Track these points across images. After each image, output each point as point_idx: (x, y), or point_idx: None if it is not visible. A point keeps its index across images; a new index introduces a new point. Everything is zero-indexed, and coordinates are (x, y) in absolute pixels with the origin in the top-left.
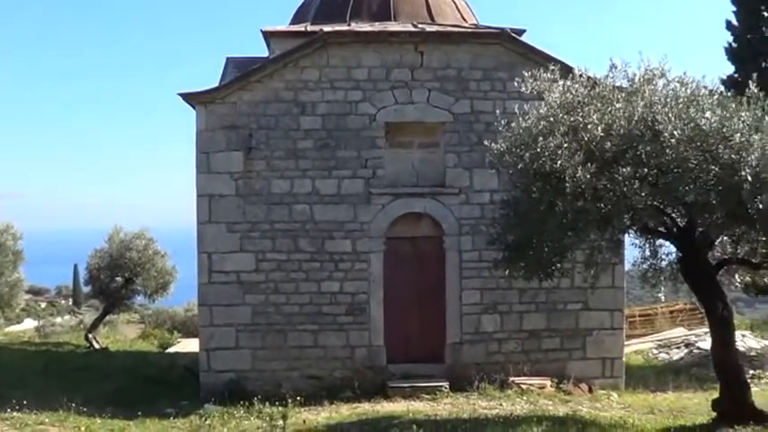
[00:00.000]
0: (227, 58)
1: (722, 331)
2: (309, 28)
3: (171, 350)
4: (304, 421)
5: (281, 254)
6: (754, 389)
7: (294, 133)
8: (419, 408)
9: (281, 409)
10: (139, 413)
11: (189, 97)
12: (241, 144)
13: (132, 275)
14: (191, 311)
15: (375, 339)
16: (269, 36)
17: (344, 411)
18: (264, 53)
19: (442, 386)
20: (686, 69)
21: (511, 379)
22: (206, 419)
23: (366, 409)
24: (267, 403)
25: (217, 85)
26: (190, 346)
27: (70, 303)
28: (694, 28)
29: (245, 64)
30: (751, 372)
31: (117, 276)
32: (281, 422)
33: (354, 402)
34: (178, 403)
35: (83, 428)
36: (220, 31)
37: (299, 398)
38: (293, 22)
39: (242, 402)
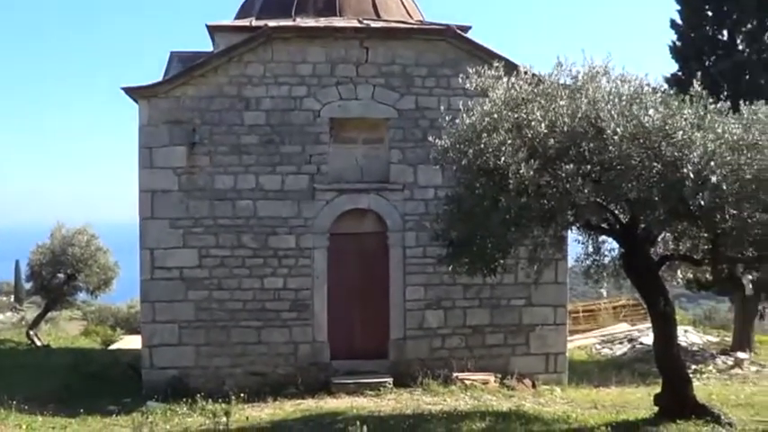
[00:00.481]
0: (171, 53)
1: (664, 327)
2: (254, 23)
3: (113, 347)
4: (247, 418)
5: (225, 250)
6: (695, 383)
7: (238, 128)
8: (363, 404)
9: (224, 405)
10: (82, 411)
11: (132, 91)
12: (184, 139)
13: (74, 272)
14: (133, 308)
15: (318, 336)
16: (213, 31)
17: (288, 408)
18: (209, 48)
19: (385, 382)
20: (631, 67)
21: (455, 374)
22: (148, 417)
23: (310, 405)
24: (210, 400)
25: (160, 79)
26: (133, 342)
27: (11, 300)
28: (640, 26)
29: (189, 58)
30: (693, 367)
31: (59, 273)
32: (224, 419)
33: (298, 399)
34: (121, 401)
35: (24, 427)
36: (165, 25)
37: (242, 394)
38: (238, 16)
39: (185, 399)
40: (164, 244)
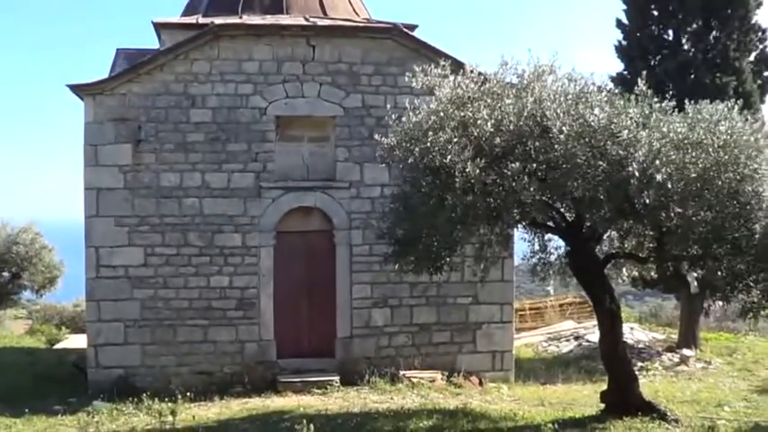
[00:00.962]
0: (118, 50)
1: (610, 324)
2: (201, 20)
3: (59, 346)
4: (194, 417)
5: (171, 248)
6: (641, 380)
7: (184, 126)
8: (310, 402)
9: (170, 405)
10: (27, 411)
11: (77, 89)
12: (130, 137)
13: (19, 270)
14: (79, 307)
15: (265, 334)
16: (160, 28)
17: (235, 407)
18: (156, 45)
19: (332, 380)
20: (577, 67)
21: (402, 373)
22: (94, 416)
23: (257, 404)
24: (156, 399)
25: (106, 76)
26: (78, 341)
27: None
28: (586, 26)
29: (135, 56)
30: (639, 364)
31: (3, 271)
32: (170, 418)
33: (245, 398)
34: (66, 400)
35: None
36: (112, 22)
37: (188, 393)
38: (185, 13)
39: (131, 399)
40: (109, 242)
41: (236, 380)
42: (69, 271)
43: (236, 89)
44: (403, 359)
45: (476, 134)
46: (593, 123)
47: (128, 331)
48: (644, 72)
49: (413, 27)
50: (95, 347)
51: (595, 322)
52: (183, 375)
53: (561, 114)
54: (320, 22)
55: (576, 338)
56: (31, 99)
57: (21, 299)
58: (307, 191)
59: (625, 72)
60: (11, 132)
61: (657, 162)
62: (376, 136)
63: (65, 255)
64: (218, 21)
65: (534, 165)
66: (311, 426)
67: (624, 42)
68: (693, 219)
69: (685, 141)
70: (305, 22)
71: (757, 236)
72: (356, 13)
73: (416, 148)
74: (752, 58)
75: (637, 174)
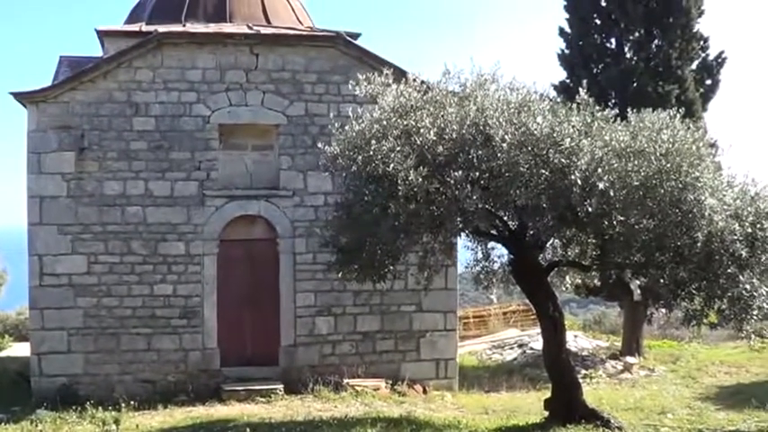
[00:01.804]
0: (61, 57)
1: (553, 332)
2: (144, 28)
3: (2, 355)
4: (137, 426)
5: (114, 256)
6: (585, 388)
7: (127, 134)
8: (254, 411)
9: (114, 413)
10: None
11: (20, 96)
12: (73, 145)
13: None
14: (22, 315)
15: (209, 342)
16: (103, 35)
17: (178, 415)
18: (99, 53)
19: (276, 389)
20: (520, 75)
21: (345, 381)
22: (38, 425)
23: (200, 412)
24: (100, 408)
25: (49, 84)
26: (22, 350)
27: None
28: (529, 34)
29: (78, 63)
30: (583, 371)
31: None
32: (113, 427)
33: (189, 406)
34: (9, 409)
35: None
36: (55, 29)
37: (132, 402)
38: (128, 21)
39: (75, 407)
40: (52, 250)
41: (180, 388)
42: (12, 279)
43: (180, 97)
44: (347, 367)
45: (419, 143)
46: (535, 132)
47: (71, 339)
48: (586, 80)
49: (356, 35)
50: (38, 356)
51: (539, 330)
52: (127, 384)
53: (504, 123)
54: (263, 31)
55: (520, 346)
56: None
57: None
58: (250, 199)
59: (568, 80)
60: None
61: (600, 170)
62: (319, 144)
63: (7, 262)
64: (162, 29)
65: (477, 173)
66: None
67: (567, 51)
68: (636, 227)
69: (628, 150)
70: (248, 31)
71: (699, 244)
72: (299, 22)
73: (359, 157)
74: (694, 66)
75: (579, 182)
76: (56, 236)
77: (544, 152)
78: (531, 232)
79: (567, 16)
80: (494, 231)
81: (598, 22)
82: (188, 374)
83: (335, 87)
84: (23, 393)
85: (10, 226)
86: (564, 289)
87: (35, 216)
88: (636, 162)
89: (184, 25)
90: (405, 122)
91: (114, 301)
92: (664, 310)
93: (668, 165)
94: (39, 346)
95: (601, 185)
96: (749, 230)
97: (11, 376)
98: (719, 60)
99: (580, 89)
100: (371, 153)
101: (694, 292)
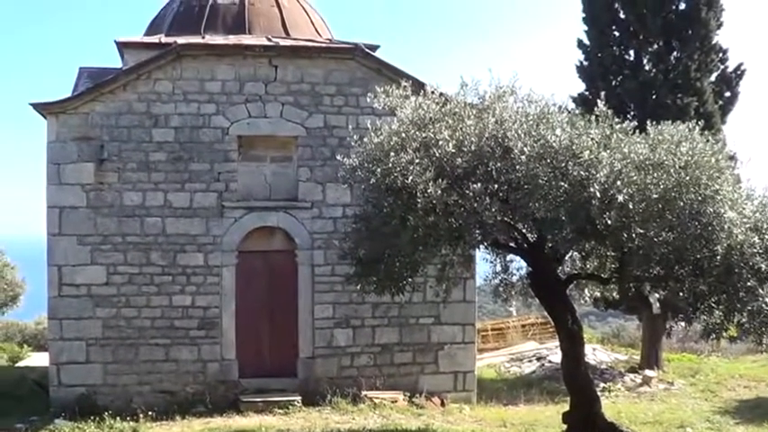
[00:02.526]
0: (81, 68)
1: (572, 345)
2: (164, 40)
3: (21, 364)
4: None
5: (133, 267)
6: (604, 401)
7: (147, 145)
8: (272, 422)
9: (132, 424)
10: None
11: (40, 107)
12: (93, 155)
13: None
14: (41, 324)
15: (227, 353)
16: (123, 47)
17: (196, 426)
18: (119, 64)
19: (294, 400)
20: (539, 87)
21: (364, 393)
22: None
23: (218, 423)
24: (118, 418)
25: (69, 95)
26: (40, 360)
27: None
28: (548, 46)
29: (98, 74)
30: (601, 384)
31: None
32: None
33: (207, 417)
34: (28, 418)
35: None
36: (75, 40)
37: (150, 413)
38: (148, 33)
39: (93, 417)
40: (72, 261)
41: (198, 399)
42: (32, 287)
43: (199, 109)
44: (365, 379)
45: (437, 155)
46: (554, 144)
47: (90, 350)
48: (605, 92)
49: (375, 47)
50: (57, 366)
51: (558, 343)
52: (145, 394)
53: (522, 135)
54: (282, 43)
55: (539, 359)
56: None
57: None
58: (269, 211)
59: (586, 92)
60: None
61: (619, 183)
62: (338, 156)
63: (26, 271)
64: (181, 40)
65: (496, 185)
66: None
67: (585, 63)
68: (655, 240)
69: (647, 162)
70: (267, 43)
71: (719, 257)
72: (318, 34)
73: (378, 169)
74: (713, 78)
75: (598, 195)
76: (75, 246)
77: (563, 164)
78: (550, 245)
79: (586, 28)
80: (512, 244)
81: (617, 34)
82: (206, 385)
83: (354, 99)
84: (42, 403)
85: (29, 236)
86: (583, 302)
87: (55, 226)
88: (655, 175)
89: (204, 37)
90: (423, 135)
91: (133, 312)
92: (683, 324)
93: (687, 177)
94: (58, 356)
95: (620, 198)
96: None
97: (30, 386)
98: (738, 72)
99: (599, 101)
100: (390, 165)
101: (714, 305)
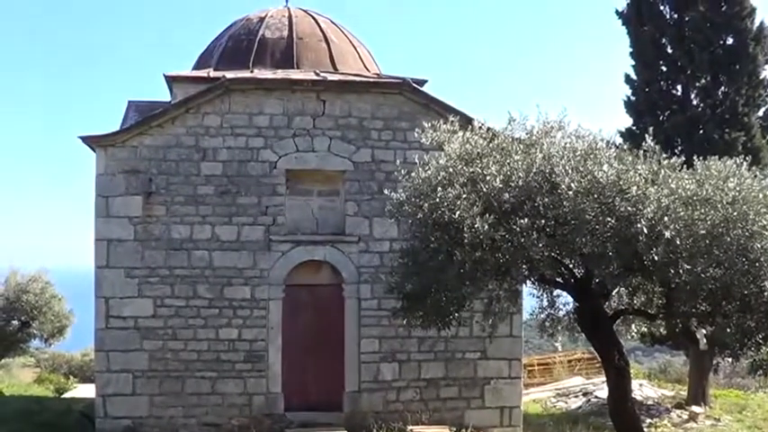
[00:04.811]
0: (129, 102)
1: (618, 380)
2: (212, 74)
3: (67, 395)
4: None
5: (180, 300)
6: None
7: (195, 179)
8: None
9: None
10: None
11: (89, 140)
12: (141, 188)
13: (29, 319)
14: (87, 356)
15: (273, 387)
16: (171, 81)
17: None
18: (167, 98)
19: None
20: (587, 122)
21: (409, 428)
22: None
23: None
24: None
25: (118, 128)
26: (86, 391)
27: None
28: (595, 81)
29: (146, 108)
30: (648, 420)
31: (13, 319)
32: None
33: None
34: None
35: None
36: (123, 74)
37: None
38: (196, 67)
39: None
40: (119, 293)
41: None
42: (78, 320)
43: (247, 143)
44: (411, 414)
45: (485, 190)
46: (601, 180)
47: (136, 382)
48: (652, 128)
49: (422, 82)
50: (104, 397)
51: (604, 378)
52: (191, 427)
53: (570, 170)
54: (330, 77)
55: (585, 394)
56: (41, 150)
57: (29, 347)
58: (316, 244)
59: (634, 127)
60: (21, 182)
61: (666, 219)
62: (385, 191)
63: (73, 303)
64: (230, 75)
65: (543, 221)
66: None
67: (633, 98)
68: (702, 275)
69: (694, 198)
70: (315, 77)
71: (766, 293)
72: (366, 68)
73: (425, 204)
74: (761, 113)
75: (645, 230)
76: (122, 279)
77: (610, 200)
78: (597, 280)
79: (633, 63)
80: (559, 279)
81: (664, 68)
82: (252, 418)
83: (402, 134)
84: None
85: (77, 268)
86: (629, 337)
87: (102, 259)
88: (702, 210)
89: (252, 71)
90: (471, 169)
91: (180, 345)
92: (730, 360)
93: (735, 213)
94: (104, 388)
95: (667, 234)
96: None
97: (76, 417)
98: None
99: (646, 136)
100: (437, 200)
101: (761, 341)
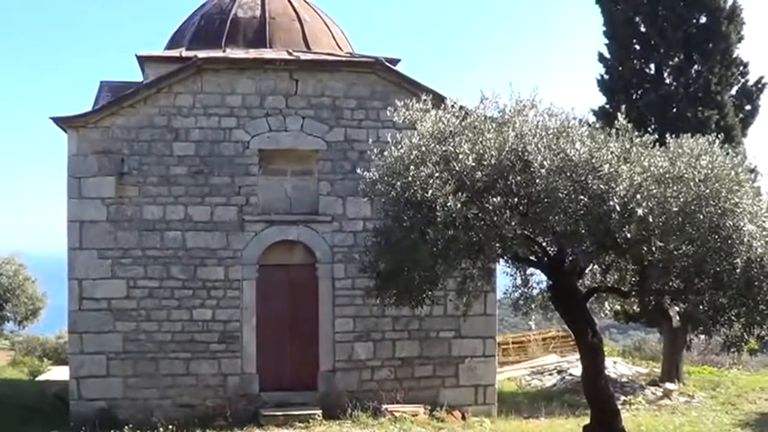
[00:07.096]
0: (101, 82)
1: (592, 358)
2: (184, 53)
3: (41, 378)
4: None
5: (153, 281)
6: (625, 414)
7: (167, 159)
8: None
9: None
10: None
11: (61, 121)
12: (113, 169)
13: (2, 302)
14: (62, 338)
15: (247, 367)
16: (143, 61)
17: None
18: (139, 78)
19: (315, 414)
20: (559, 100)
21: (384, 406)
22: None
23: None
24: None
25: (90, 109)
26: (61, 373)
27: None
28: (569, 60)
29: (118, 88)
30: (622, 398)
31: None
32: None
33: (227, 431)
34: None
35: None
36: (95, 55)
37: (171, 426)
38: (169, 47)
39: (113, 431)
40: (92, 274)
41: (219, 413)
42: (52, 302)
43: (220, 122)
44: (385, 393)
45: (457, 168)
46: (574, 158)
47: (110, 364)
48: (625, 106)
49: (395, 61)
50: (78, 379)
51: (578, 356)
52: (165, 408)
53: (542, 149)
54: (303, 57)
55: (560, 372)
56: (10, 130)
57: (3, 330)
58: (290, 224)
59: (607, 106)
60: None
61: (638, 196)
62: (358, 170)
63: (47, 286)
64: (202, 54)
65: (516, 199)
66: None
67: (606, 76)
68: (675, 253)
69: (666, 175)
70: (288, 57)
71: (738, 270)
72: (339, 48)
73: (398, 183)
74: (734, 91)
75: (618, 208)
76: (95, 260)
77: (583, 178)
78: (570, 258)
79: (606, 42)
80: (532, 257)
81: (637, 47)
82: (227, 399)
83: (375, 113)
84: (62, 417)
85: (49, 250)
86: (603, 315)
87: (75, 240)
88: (675, 188)
89: (224, 51)
90: (443, 148)
91: (153, 326)
92: (703, 337)
93: (707, 191)
94: (78, 370)
95: (640, 211)
96: None
97: (50, 400)
98: (759, 86)
99: (619, 114)
100: (410, 179)
101: (734, 318)
